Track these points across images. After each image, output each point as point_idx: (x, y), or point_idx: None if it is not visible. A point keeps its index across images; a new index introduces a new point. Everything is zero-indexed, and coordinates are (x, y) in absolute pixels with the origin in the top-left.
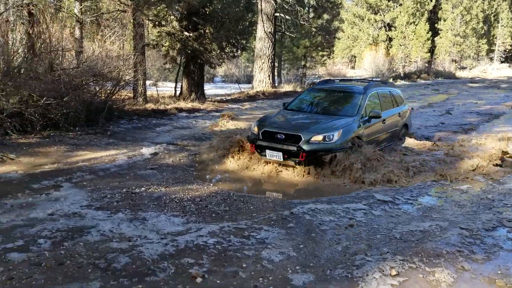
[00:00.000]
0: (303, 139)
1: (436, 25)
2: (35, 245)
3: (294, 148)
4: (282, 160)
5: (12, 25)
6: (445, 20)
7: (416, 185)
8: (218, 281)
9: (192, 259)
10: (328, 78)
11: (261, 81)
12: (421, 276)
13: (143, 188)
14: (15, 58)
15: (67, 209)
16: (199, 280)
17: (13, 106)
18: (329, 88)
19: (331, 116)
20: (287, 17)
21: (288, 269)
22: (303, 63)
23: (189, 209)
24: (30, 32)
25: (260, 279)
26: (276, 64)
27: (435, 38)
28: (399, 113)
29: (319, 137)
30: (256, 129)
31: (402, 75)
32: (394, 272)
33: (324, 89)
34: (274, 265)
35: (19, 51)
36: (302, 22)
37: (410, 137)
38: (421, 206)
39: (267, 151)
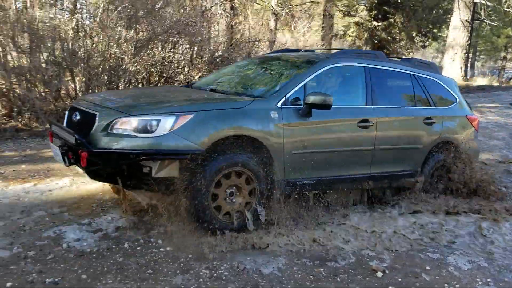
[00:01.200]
0: (97, 123)
1: None
2: None
3: (73, 140)
4: (64, 162)
5: (218, 18)
6: None
7: None
8: (399, 279)
9: (373, 253)
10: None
11: (451, 74)
12: None
13: None
14: (219, 47)
15: None
16: (379, 274)
17: None
18: (268, 57)
19: (223, 96)
20: (488, 3)
21: (478, 280)
22: (502, 54)
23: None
24: (232, 24)
25: (445, 285)
26: (470, 55)
27: None
28: (428, 119)
29: (132, 122)
30: None
31: None
32: None
33: (262, 58)
34: (461, 273)
35: (221, 41)
36: (506, 9)
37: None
38: None
39: (51, 144)
